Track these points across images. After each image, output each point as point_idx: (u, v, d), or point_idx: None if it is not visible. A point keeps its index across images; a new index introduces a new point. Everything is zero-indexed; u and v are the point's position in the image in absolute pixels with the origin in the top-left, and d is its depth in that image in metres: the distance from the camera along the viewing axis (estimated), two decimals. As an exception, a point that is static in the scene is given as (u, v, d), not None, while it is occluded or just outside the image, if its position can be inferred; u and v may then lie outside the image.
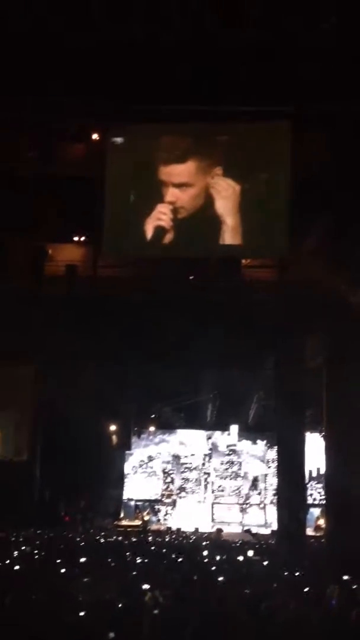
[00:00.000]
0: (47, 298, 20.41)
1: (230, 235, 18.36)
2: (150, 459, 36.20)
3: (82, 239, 22.04)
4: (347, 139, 17.13)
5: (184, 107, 17.27)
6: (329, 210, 18.10)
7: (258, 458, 35.89)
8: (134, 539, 25.16)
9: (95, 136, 20.19)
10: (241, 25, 15.71)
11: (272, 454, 33.44)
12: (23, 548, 17.15)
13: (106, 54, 16.27)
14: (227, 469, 35.75)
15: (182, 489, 35.61)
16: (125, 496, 35.18)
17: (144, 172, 18.79)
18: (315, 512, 31.85)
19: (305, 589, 10.33)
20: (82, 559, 13.96)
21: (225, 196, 18.16)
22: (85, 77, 16.32)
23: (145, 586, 9.94)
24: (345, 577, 11.36)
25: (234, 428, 36.00)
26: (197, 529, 31.79)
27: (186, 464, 35.97)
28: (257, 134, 18.24)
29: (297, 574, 13.14)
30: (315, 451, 26.60)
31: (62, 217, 20.04)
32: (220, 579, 11.41)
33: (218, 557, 15.98)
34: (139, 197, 19.00)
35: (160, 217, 18.44)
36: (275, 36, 15.78)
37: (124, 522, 33.23)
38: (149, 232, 18.46)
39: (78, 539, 23.47)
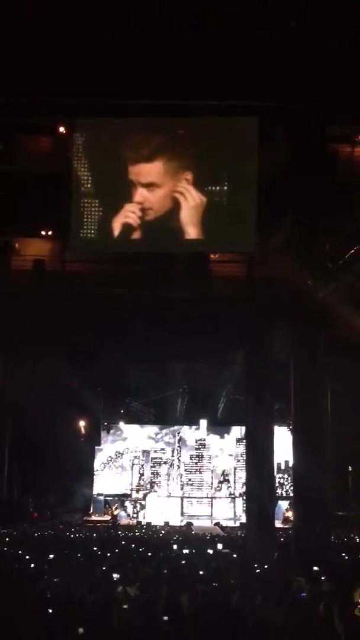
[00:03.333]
0: (14, 292, 20.24)
1: (197, 231, 18.41)
2: (120, 454, 36.20)
3: (50, 233, 21.92)
4: (309, 135, 17.30)
5: (151, 101, 17.25)
6: (295, 206, 18.24)
7: (227, 452, 36.11)
8: (104, 534, 25.14)
9: (61, 130, 20.10)
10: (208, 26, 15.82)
11: (241, 447, 33.68)
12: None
13: (73, 50, 16.18)
14: (196, 463, 35.91)
15: (151, 483, 35.69)
16: (94, 491, 35.15)
17: (111, 167, 18.71)
18: (284, 504, 32.17)
19: (274, 582, 10.45)
20: (51, 555, 13.92)
21: (194, 196, 18.23)
22: (49, 73, 16.20)
23: (115, 581, 9.98)
24: (315, 569, 11.51)
25: (203, 422, 36.17)
26: (167, 523, 31.90)
27: (156, 458, 36.04)
28: (226, 130, 18.27)
29: (266, 566, 13.26)
30: (283, 444, 26.85)
31: (29, 211, 19.90)
32: (190, 572, 11.48)
33: (188, 551, 16.04)
34: (107, 192, 18.92)
35: (128, 215, 18.42)
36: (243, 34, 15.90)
37: (94, 518, 33.20)
38: (117, 229, 18.45)
39: (47, 535, 23.39)
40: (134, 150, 18.27)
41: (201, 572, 11.53)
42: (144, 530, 28.81)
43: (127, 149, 18.40)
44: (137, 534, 26.57)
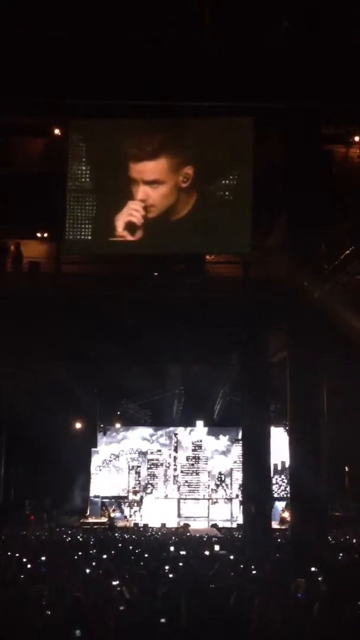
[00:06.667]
0: (10, 294, 20.20)
1: (195, 232, 18.44)
2: (116, 455, 36.16)
3: (45, 235, 21.90)
4: (303, 135, 17.33)
5: (146, 102, 17.26)
6: (290, 207, 18.25)
7: (223, 453, 36.10)
8: (101, 536, 25.10)
9: (56, 132, 20.09)
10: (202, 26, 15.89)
11: (238, 449, 33.68)
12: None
13: (66, 50, 16.18)
14: (193, 464, 35.88)
15: (148, 485, 35.65)
16: (91, 493, 35.08)
17: (110, 166, 18.70)
18: (280, 505, 32.17)
19: (271, 583, 10.43)
20: (48, 557, 13.89)
21: (193, 195, 18.30)
22: (45, 73, 16.21)
23: (112, 582, 9.96)
24: (312, 569, 11.48)
25: (200, 424, 36.15)
26: (164, 525, 31.87)
27: (152, 460, 36.01)
28: (224, 130, 18.33)
29: (263, 567, 13.24)
30: (280, 445, 26.86)
31: (24, 214, 19.88)
32: (187, 574, 11.46)
33: (185, 552, 16.02)
34: (105, 193, 18.91)
35: (131, 213, 18.43)
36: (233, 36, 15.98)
37: (91, 520, 33.14)
38: (118, 228, 18.47)
39: (44, 538, 23.36)
40: (137, 147, 18.31)
41: (198, 574, 11.51)
42: (141, 532, 28.79)
43: (129, 147, 18.42)
44: (134, 535, 26.54)
